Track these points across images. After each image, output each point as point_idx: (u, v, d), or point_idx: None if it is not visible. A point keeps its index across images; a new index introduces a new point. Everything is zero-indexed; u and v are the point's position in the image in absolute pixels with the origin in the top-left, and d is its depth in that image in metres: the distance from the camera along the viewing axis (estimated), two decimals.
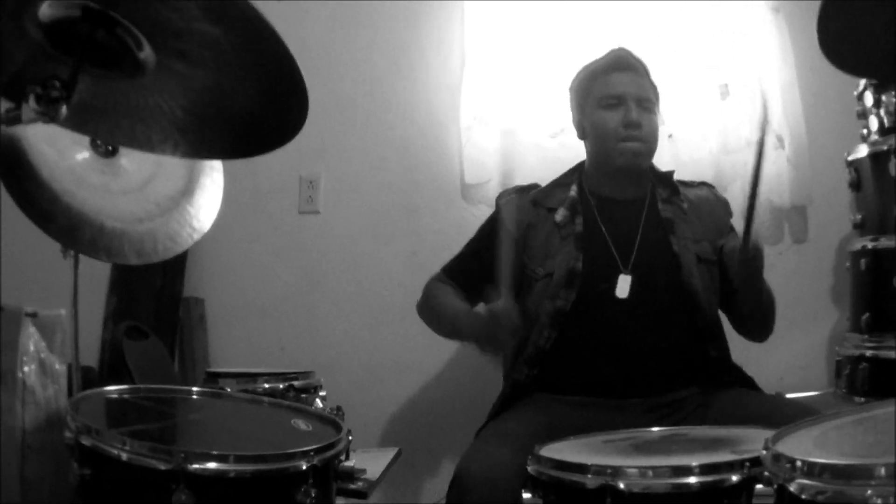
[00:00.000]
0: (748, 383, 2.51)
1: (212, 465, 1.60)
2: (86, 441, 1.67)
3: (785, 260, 3.52)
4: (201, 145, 1.83)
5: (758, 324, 2.60)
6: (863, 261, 3.06)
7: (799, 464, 1.15)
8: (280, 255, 3.50)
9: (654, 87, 2.61)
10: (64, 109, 1.44)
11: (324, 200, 3.54)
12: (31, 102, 1.44)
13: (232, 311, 3.57)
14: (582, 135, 2.64)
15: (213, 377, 2.70)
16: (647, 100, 2.54)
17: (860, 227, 3.12)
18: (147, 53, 1.48)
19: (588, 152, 2.66)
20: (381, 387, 3.43)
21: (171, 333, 3.42)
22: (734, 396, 2.35)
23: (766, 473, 1.24)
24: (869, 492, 1.03)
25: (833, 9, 1.57)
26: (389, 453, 2.85)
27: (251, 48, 1.44)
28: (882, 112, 3.07)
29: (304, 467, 1.67)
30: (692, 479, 1.51)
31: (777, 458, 1.21)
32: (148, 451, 1.61)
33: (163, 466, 1.59)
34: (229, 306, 3.57)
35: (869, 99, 3.09)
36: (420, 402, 3.49)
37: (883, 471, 1.03)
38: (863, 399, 2.95)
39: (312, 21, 3.59)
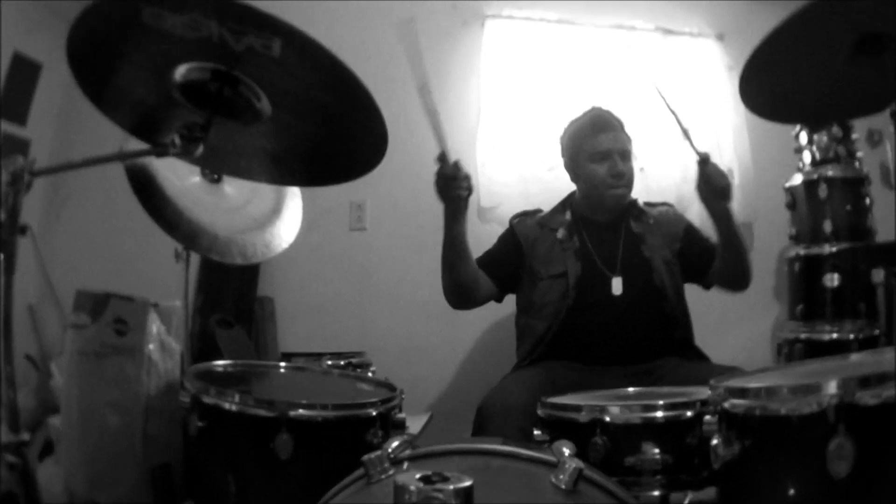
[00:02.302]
0: (704, 359, 2.64)
1: (305, 412, 1.70)
2: (206, 399, 1.76)
3: None
4: (292, 177, 2.01)
5: (740, 266, 2.62)
6: (797, 264, 3.26)
7: (731, 390, 1.32)
8: (334, 263, 3.63)
9: (629, 139, 2.74)
10: (200, 148, 1.57)
11: (370, 220, 3.69)
12: (177, 141, 1.57)
13: (296, 308, 3.67)
14: (574, 178, 2.79)
15: (287, 357, 2.86)
16: (627, 151, 2.69)
17: (795, 239, 3.32)
18: (264, 106, 1.59)
19: (579, 190, 2.80)
20: (416, 365, 3.51)
21: (248, 326, 3.47)
22: (691, 367, 2.49)
23: (710, 398, 1.41)
24: (778, 405, 1.21)
25: (750, 74, 1.84)
26: (424, 417, 3.00)
27: (353, 112, 1.56)
28: (814, 148, 3.28)
29: (374, 413, 1.78)
30: (658, 413, 1.67)
31: (715, 388, 1.38)
32: (255, 403, 1.71)
33: (267, 414, 1.69)
34: (294, 304, 3.66)
35: (803, 138, 3.31)
36: (446, 377, 3.62)
37: (786, 390, 1.20)
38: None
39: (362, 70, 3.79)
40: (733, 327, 3.47)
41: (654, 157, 3.57)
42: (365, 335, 3.54)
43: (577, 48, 3.72)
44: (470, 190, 2.42)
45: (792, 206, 3.38)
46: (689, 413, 1.65)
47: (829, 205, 3.22)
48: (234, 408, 1.73)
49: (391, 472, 1.18)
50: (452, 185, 2.37)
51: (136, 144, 1.88)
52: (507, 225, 2.92)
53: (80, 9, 1.42)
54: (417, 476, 0.85)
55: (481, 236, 2.99)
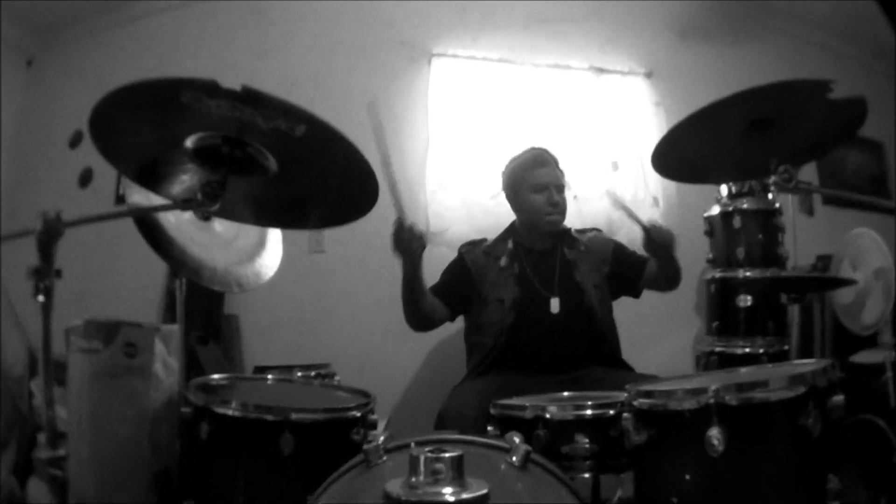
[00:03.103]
0: (629, 369, 3.00)
1: (304, 415, 2.00)
2: (216, 408, 2.04)
3: None
4: (286, 221, 2.32)
5: (673, 276, 2.96)
6: (713, 286, 3.66)
7: (640, 391, 1.80)
8: (295, 283, 3.82)
9: (563, 173, 3.11)
10: (218, 204, 1.85)
11: (328, 243, 4.00)
12: (199, 197, 1.85)
13: (260, 325, 3.96)
14: (515, 208, 3.16)
15: (261, 370, 3.15)
16: (561, 185, 3.07)
17: (712, 262, 3.71)
18: (271, 164, 1.87)
19: (519, 219, 3.16)
20: (373, 375, 3.61)
21: (217, 342, 3.71)
22: (615, 375, 2.82)
23: (626, 398, 1.87)
24: (675, 403, 1.70)
25: (663, 148, 2.23)
26: (383, 421, 3.09)
27: (349, 173, 1.87)
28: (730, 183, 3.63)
29: (358, 415, 2.12)
30: (588, 411, 2.08)
31: (630, 390, 1.85)
32: (260, 410, 2.01)
33: (271, 418, 1.99)
34: (258, 321, 3.95)
35: None
36: (401, 387, 3.98)
37: (680, 392, 1.69)
38: None
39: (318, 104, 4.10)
40: (659, 340, 3.87)
41: (586, 185, 3.94)
42: (325, 349, 3.78)
43: (518, 85, 4.11)
44: (423, 246, 2.74)
45: (710, 233, 3.77)
46: (611, 411, 2.04)
47: (743, 234, 3.61)
48: (240, 414, 2.02)
49: (385, 458, 1.51)
50: (407, 245, 2.70)
51: (136, 191, 2.20)
52: (454, 247, 3.28)
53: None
54: (427, 449, 1.25)
55: (431, 258, 3.13)
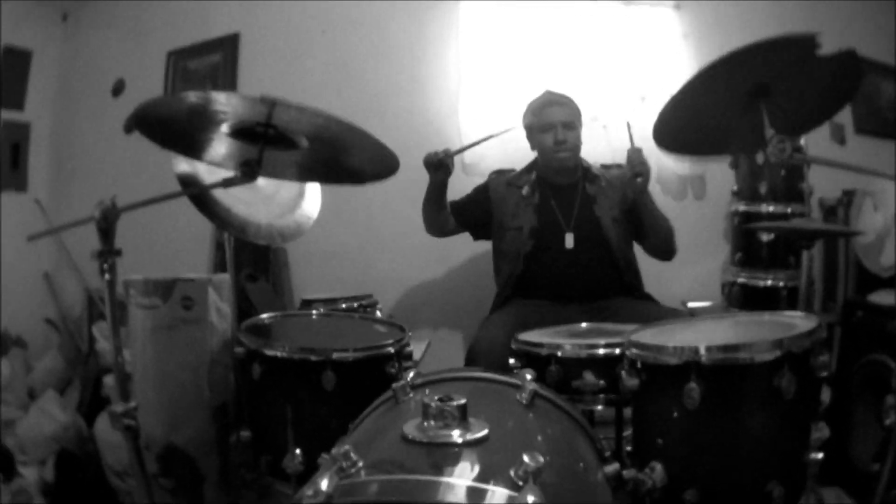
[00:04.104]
0: (650, 299, 3.19)
1: (344, 354, 2.23)
2: (266, 351, 2.29)
3: (688, 210, 4.11)
4: (320, 176, 2.54)
5: (662, 243, 3.20)
6: (736, 218, 3.73)
7: (635, 343, 2.01)
8: (339, 215, 3.93)
9: (576, 112, 3.28)
10: (256, 178, 2.03)
11: None
12: (239, 175, 2.04)
13: (307, 257, 4.18)
14: (532, 146, 3.34)
15: (307, 303, 3.33)
16: (570, 122, 3.23)
17: (737, 195, 3.77)
18: (302, 141, 2.02)
19: (538, 156, 3.36)
20: (415, 299, 4.13)
21: (266, 276, 3.98)
22: (639, 306, 3.03)
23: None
24: (665, 357, 1.90)
25: (662, 121, 2.23)
26: (423, 343, 3.54)
27: (367, 145, 2.03)
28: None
29: (392, 351, 2.34)
30: (597, 350, 2.28)
31: (626, 340, 2.06)
32: (304, 351, 2.24)
33: (314, 358, 2.22)
34: (305, 253, 4.16)
35: None
36: (440, 308, 4.20)
37: (670, 348, 1.89)
38: (735, 309, 3.63)
39: (354, 48, 4.23)
40: (687, 266, 3.83)
41: (616, 116, 4.01)
42: (369, 276, 4.00)
43: (546, 17, 4.18)
44: (450, 170, 3.09)
45: (735, 166, 3.84)
46: (618, 350, 2.20)
47: (767, 170, 3.65)
48: (287, 355, 2.26)
49: (411, 394, 1.71)
50: (439, 168, 3.06)
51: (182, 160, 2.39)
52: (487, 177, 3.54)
53: None
54: (436, 397, 1.48)
55: (466, 188, 3.54)
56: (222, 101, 1.92)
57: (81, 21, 4.54)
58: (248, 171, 2.04)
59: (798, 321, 2.07)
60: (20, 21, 4.01)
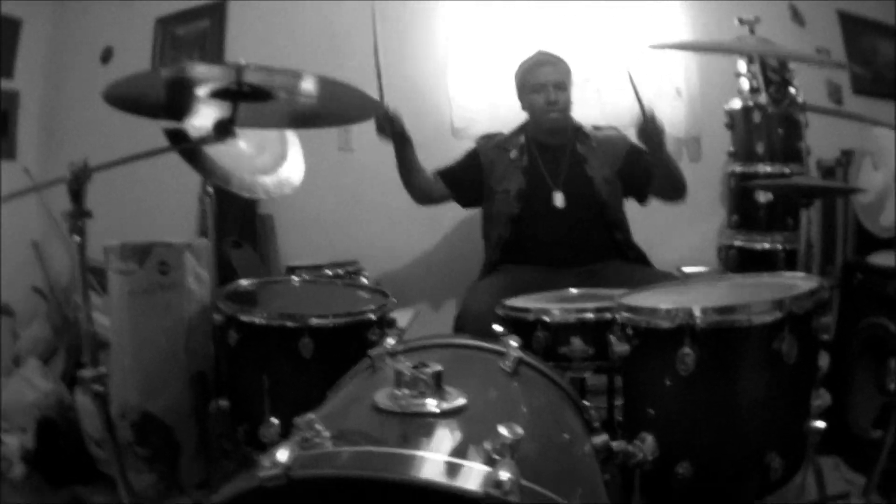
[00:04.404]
0: (643, 260, 3.17)
1: (322, 320, 2.17)
2: (242, 317, 2.25)
3: (684, 173, 3.57)
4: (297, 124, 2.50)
5: (672, 184, 3.12)
6: (732, 179, 3.68)
7: (625, 307, 1.93)
8: (326, 181, 3.96)
9: (566, 71, 3.21)
10: (233, 136, 2.01)
11: (355, 141, 4.11)
12: (212, 135, 2.01)
13: (293, 224, 4.14)
14: (523, 107, 3.30)
15: (292, 269, 3.25)
16: (561, 83, 3.18)
17: (733, 156, 3.71)
18: (278, 95, 2.00)
19: (529, 117, 3.31)
20: (402, 266, 4.06)
21: (253, 243, 3.96)
22: (632, 269, 3.00)
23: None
24: (658, 321, 1.81)
25: None
26: (409, 312, 3.56)
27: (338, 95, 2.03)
28: (751, 75, 3.60)
29: (374, 318, 2.29)
30: (588, 315, 2.20)
31: (616, 303, 1.98)
32: (281, 316, 2.20)
33: (291, 324, 2.17)
34: (291, 220, 4.13)
35: (742, 66, 3.61)
36: (427, 274, 4.15)
37: (663, 311, 1.80)
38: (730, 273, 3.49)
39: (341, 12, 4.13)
40: (683, 229, 3.93)
41: (610, 79, 3.97)
42: (358, 244, 3.89)
43: None
44: (401, 129, 3.07)
45: (731, 126, 3.77)
46: (608, 315, 2.11)
47: (764, 129, 3.59)
48: (264, 322, 2.22)
49: (389, 361, 1.61)
50: (385, 128, 3.00)
51: None
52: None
53: None
54: (410, 364, 1.39)
55: (456, 152, 3.50)
56: (195, 71, 1.94)
57: None
58: (221, 129, 2.00)
59: (799, 281, 2.00)
60: None
